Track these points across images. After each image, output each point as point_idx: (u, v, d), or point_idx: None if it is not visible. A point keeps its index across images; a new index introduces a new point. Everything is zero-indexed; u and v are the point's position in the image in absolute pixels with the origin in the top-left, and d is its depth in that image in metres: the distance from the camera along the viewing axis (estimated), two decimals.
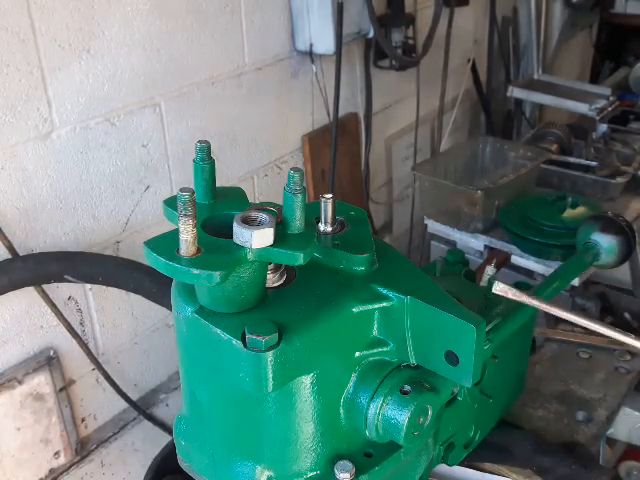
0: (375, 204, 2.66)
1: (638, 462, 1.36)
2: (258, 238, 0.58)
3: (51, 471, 1.70)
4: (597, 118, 2.65)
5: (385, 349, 0.68)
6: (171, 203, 0.65)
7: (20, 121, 1.44)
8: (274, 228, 0.59)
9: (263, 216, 0.60)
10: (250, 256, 0.59)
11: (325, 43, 2.06)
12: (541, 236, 2.05)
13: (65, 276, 1.50)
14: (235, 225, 0.59)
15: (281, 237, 0.60)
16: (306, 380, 0.63)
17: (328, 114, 2.24)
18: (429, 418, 0.67)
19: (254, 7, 1.91)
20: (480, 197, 2.15)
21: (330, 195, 0.70)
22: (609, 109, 2.70)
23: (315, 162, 2.26)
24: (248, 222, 0.60)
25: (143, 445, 1.92)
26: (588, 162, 2.45)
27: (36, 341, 1.60)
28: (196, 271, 0.56)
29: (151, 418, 1.90)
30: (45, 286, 1.56)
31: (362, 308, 0.65)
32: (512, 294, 0.53)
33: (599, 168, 2.41)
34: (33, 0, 1.41)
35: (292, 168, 0.62)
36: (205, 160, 0.65)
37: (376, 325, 0.67)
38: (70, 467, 1.74)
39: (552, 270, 1.02)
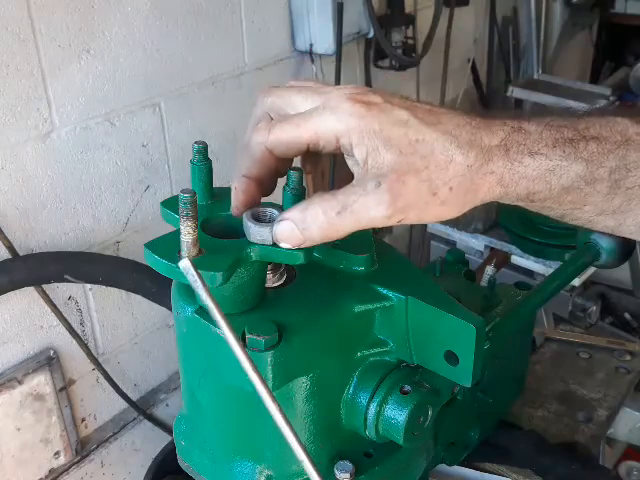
0: None
1: (638, 462, 1.36)
2: None
3: (51, 471, 1.70)
4: None
5: (385, 349, 0.68)
6: (168, 204, 0.65)
7: (20, 121, 1.44)
8: None
9: (273, 212, 0.60)
10: (252, 256, 0.59)
11: (325, 43, 2.05)
12: (541, 236, 2.05)
13: (65, 276, 1.50)
14: (249, 224, 0.58)
15: None
16: (306, 380, 0.63)
17: None
18: (429, 418, 0.67)
19: (254, 7, 1.91)
20: None
21: None
22: (609, 109, 2.70)
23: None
24: (259, 220, 0.59)
25: (143, 445, 1.92)
26: None
27: (36, 341, 1.60)
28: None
29: (151, 418, 1.90)
30: (45, 286, 1.56)
31: (362, 308, 0.65)
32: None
33: None
34: (33, 0, 1.41)
35: (292, 168, 0.62)
36: (202, 161, 0.65)
37: (376, 325, 0.67)
38: (70, 467, 1.74)
39: (552, 270, 1.02)
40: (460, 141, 0.55)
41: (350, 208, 0.54)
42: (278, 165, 0.61)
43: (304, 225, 0.55)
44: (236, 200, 0.61)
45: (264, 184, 0.62)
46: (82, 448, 1.76)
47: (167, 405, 1.96)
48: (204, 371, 0.66)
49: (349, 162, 0.59)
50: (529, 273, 2.15)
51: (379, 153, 0.54)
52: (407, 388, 0.66)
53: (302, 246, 0.57)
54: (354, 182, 0.57)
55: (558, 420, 1.12)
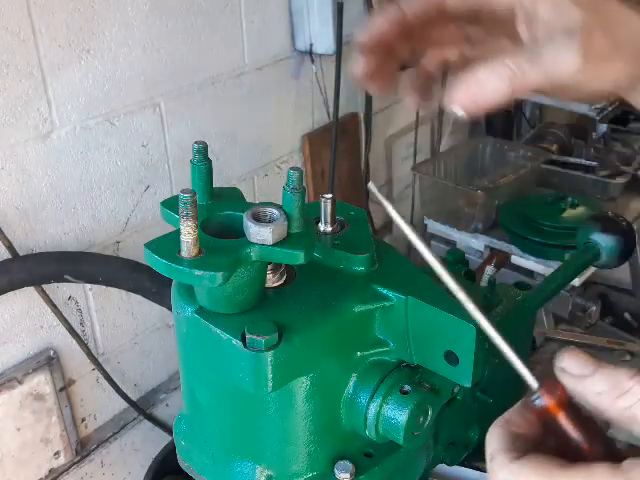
0: (375, 204, 2.65)
1: None
2: (276, 233, 0.58)
3: (51, 471, 1.70)
4: (597, 118, 2.65)
5: (385, 349, 0.68)
6: (168, 204, 0.65)
7: (20, 121, 1.44)
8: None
9: (274, 212, 0.60)
10: (252, 256, 0.59)
11: (325, 43, 2.05)
12: (541, 236, 2.05)
13: (65, 276, 1.50)
14: (249, 224, 0.58)
15: None
16: (306, 380, 0.63)
17: (328, 114, 2.24)
18: (429, 418, 0.67)
19: (254, 7, 1.91)
20: (480, 197, 2.16)
21: (330, 195, 0.70)
22: (609, 109, 2.70)
23: (315, 162, 2.26)
24: (259, 219, 0.59)
25: (143, 445, 1.92)
26: (588, 162, 2.45)
27: (36, 341, 1.60)
28: (199, 272, 0.56)
29: (151, 418, 1.91)
30: (45, 286, 1.56)
31: (362, 308, 0.65)
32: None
33: (599, 168, 2.41)
34: (33, 0, 1.41)
35: (291, 167, 0.62)
36: (202, 161, 0.65)
37: (376, 325, 0.67)
38: (70, 467, 1.74)
39: (552, 270, 1.02)
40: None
41: (541, 58, 0.55)
42: (424, 33, 0.63)
43: (490, 74, 0.55)
44: (373, 21, 0.62)
45: (402, 32, 0.63)
46: (82, 448, 1.76)
47: (167, 405, 1.96)
48: (204, 371, 0.66)
49: (521, 26, 0.60)
50: (529, 273, 2.15)
51: (566, 9, 0.56)
52: (407, 388, 0.66)
53: (477, 101, 0.55)
54: (537, 40, 0.58)
55: None
